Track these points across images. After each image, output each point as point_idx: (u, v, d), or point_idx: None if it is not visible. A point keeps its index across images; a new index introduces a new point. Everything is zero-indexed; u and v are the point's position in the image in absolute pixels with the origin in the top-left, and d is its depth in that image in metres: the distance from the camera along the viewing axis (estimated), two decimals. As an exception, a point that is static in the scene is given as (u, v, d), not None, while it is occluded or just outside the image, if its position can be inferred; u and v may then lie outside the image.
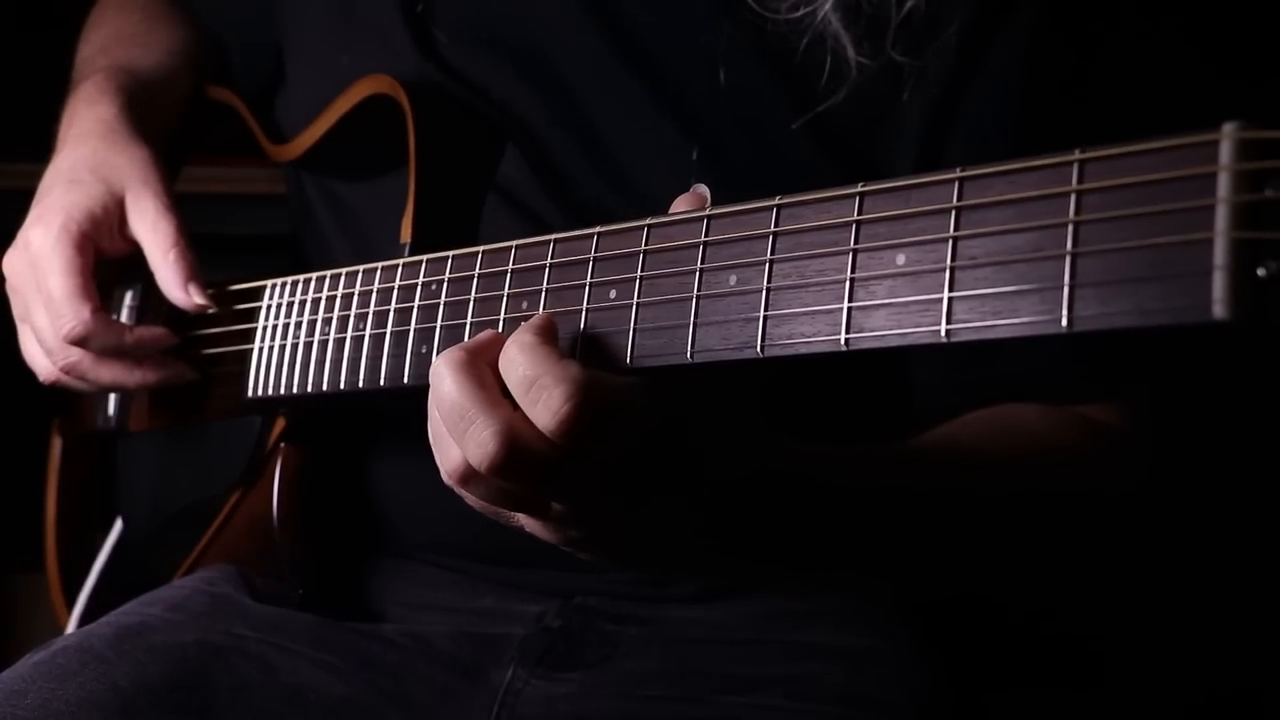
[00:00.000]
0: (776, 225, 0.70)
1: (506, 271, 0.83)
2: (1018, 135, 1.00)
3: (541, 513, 0.74)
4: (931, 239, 0.63)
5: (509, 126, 1.08)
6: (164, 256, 1.09)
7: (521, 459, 0.70)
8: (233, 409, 1.14)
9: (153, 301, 1.18)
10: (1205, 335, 0.55)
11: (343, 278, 0.98)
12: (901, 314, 0.64)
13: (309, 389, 1.01)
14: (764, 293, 0.70)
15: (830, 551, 0.91)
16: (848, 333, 0.66)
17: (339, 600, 1.13)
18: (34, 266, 1.09)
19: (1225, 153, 0.54)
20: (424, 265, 0.89)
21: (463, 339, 0.82)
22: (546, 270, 0.80)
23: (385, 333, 0.92)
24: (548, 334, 0.74)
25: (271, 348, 1.06)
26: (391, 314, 0.92)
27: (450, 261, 0.87)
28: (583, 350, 0.77)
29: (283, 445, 1.12)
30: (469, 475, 0.73)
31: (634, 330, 0.75)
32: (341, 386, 0.97)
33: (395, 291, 0.92)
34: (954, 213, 0.63)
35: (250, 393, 1.09)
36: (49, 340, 1.10)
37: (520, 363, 0.71)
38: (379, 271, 0.94)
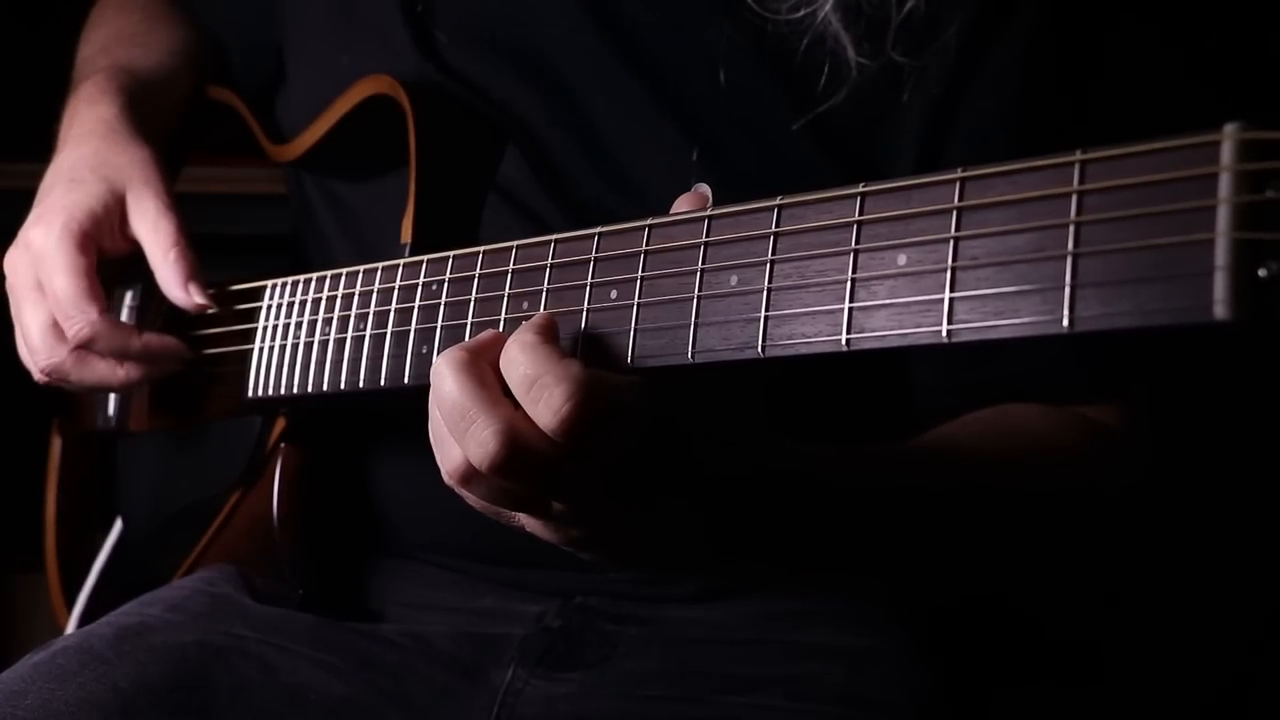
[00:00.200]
0: (777, 226, 0.70)
1: (507, 272, 0.83)
2: (1018, 136, 1.00)
3: (542, 512, 0.74)
4: (933, 239, 0.63)
5: (509, 127, 1.08)
6: (164, 256, 1.09)
7: (522, 458, 0.70)
8: (233, 409, 1.14)
9: (152, 301, 1.18)
10: (1206, 336, 0.55)
11: (343, 278, 0.98)
12: (903, 314, 0.64)
13: (309, 389, 1.01)
14: (765, 293, 0.70)
15: (831, 551, 0.91)
16: (849, 333, 0.66)
17: (339, 600, 1.13)
18: (37, 266, 1.09)
19: (1226, 153, 0.54)
20: (425, 265, 0.89)
21: (463, 339, 0.82)
22: (547, 270, 0.80)
23: (386, 333, 0.92)
24: (549, 333, 0.74)
25: (272, 348, 1.06)
26: (392, 314, 0.92)
27: (451, 262, 0.87)
28: (584, 350, 0.77)
29: (283, 445, 1.12)
30: (470, 475, 0.73)
31: (635, 330, 0.75)
32: (342, 387, 0.97)
33: (396, 292, 0.92)
34: (955, 213, 0.63)
35: (250, 393, 1.09)
36: (35, 339, 1.10)
37: (521, 362, 0.71)
38: (379, 272, 0.94)
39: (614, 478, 0.72)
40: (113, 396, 1.26)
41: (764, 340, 0.69)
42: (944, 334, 0.62)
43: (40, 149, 1.20)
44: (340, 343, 0.97)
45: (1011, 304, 0.60)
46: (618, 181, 1.06)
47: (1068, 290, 0.58)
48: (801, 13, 1.00)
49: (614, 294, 0.76)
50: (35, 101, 1.24)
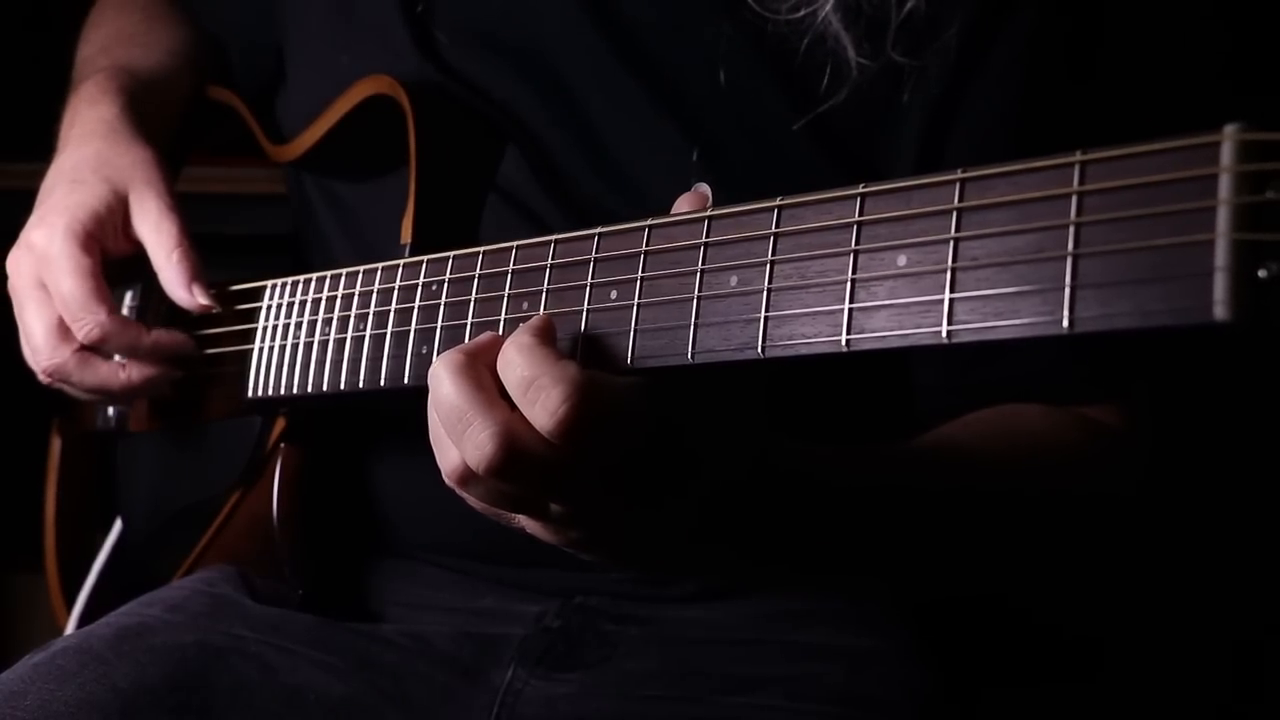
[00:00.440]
0: (777, 226, 0.70)
1: (507, 272, 0.83)
2: (1018, 136, 1.00)
3: (541, 513, 0.74)
4: (933, 240, 0.63)
5: (509, 127, 1.08)
6: (168, 257, 1.09)
7: (519, 460, 0.70)
8: (233, 409, 1.14)
9: (153, 301, 1.18)
10: (1206, 336, 0.55)
11: (343, 278, 0.98)
12: (903, 315, 0.64)
13: (309, 389, 1.01)
14: (765, 293, 0.70)
15: (831, 551, 0.91)
16: (849, 334, 0.66)
17: (339, 600, 1.13)
18: (41, 268, 1.09)
19: (1226, 154, 0.54)
20: (425, 266, 0.89)
21: (463, 340, 0.82)
22: (547, 271, 0.80)
23: (386, 333, 0.92)
24: (546, 335, 0.74)
25: (272, 348, 1.06)
26: (392, 314, 0.92)
27: (451, 262, 0.87)
28: (584, 351, 0.77)
29: (283, 445, 1.12)
30: (468, 477, 0.73)
31: (635, 331, 0.75)
32: (342, 387, 0.97)
33: (396, 292, 0.92)
34: (955, 214, 0.63)
35: (250, 393, 1.09)
36: (38, 340, 1.10)
37: (518, 364, 0.71)
38: (379, 272, 0.94)
39: (612, 479, 0.72)
40: (113, 396, 1.26)
41: (764, 341, 0.69)
42: (944, 335, 0.62)
43: (40, 149, 1.20)
44: (340, 343, 0.97)
45: (1011, 305, 0.60)
46: (618, 181, 1.06)
47: (1068, 291, 0.58)
48: (802, 13, 1.00)
49: (614, 294, 0.76)
50: (35, 101, 1.24)
